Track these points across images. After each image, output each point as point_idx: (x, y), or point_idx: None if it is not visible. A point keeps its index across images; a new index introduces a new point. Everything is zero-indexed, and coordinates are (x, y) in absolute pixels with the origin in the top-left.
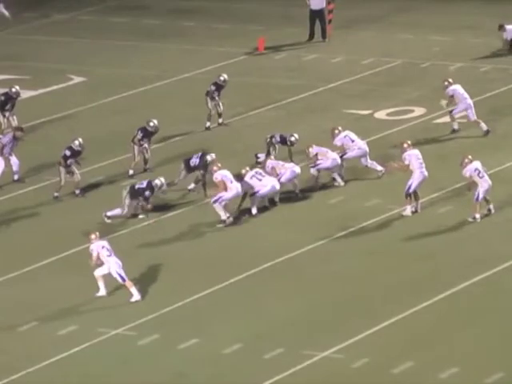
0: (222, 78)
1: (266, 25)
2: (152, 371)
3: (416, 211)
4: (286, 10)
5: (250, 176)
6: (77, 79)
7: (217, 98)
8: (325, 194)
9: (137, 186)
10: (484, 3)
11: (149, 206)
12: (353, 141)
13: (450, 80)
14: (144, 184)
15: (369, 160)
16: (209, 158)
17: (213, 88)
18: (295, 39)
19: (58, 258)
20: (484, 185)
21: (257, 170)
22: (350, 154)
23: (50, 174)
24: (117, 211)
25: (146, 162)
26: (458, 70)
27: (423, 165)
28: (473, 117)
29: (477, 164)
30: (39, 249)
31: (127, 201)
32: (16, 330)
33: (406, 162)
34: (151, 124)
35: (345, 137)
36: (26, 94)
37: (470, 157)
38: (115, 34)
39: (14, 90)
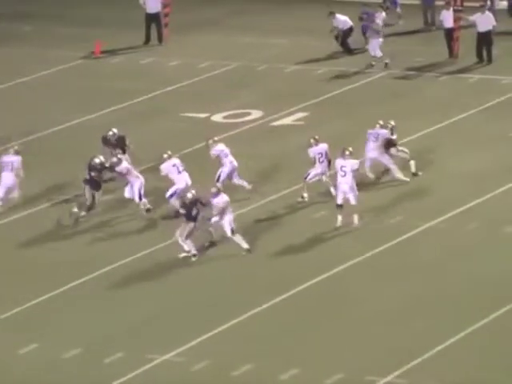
0: None
1: (103, 29)
2: None
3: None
4: (124, 14)
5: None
6: None
7: None
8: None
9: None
10: (321, 6)
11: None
12: (227, 155)
13: None
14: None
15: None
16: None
17: None
18: (133, 43)
19: None
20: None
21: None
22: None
23: None
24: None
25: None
26: (294, 72)
27: (345, 176)
28: None
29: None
30: None
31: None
32: None
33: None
34: (110, 133)
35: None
36: None
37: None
38: None
39: None
